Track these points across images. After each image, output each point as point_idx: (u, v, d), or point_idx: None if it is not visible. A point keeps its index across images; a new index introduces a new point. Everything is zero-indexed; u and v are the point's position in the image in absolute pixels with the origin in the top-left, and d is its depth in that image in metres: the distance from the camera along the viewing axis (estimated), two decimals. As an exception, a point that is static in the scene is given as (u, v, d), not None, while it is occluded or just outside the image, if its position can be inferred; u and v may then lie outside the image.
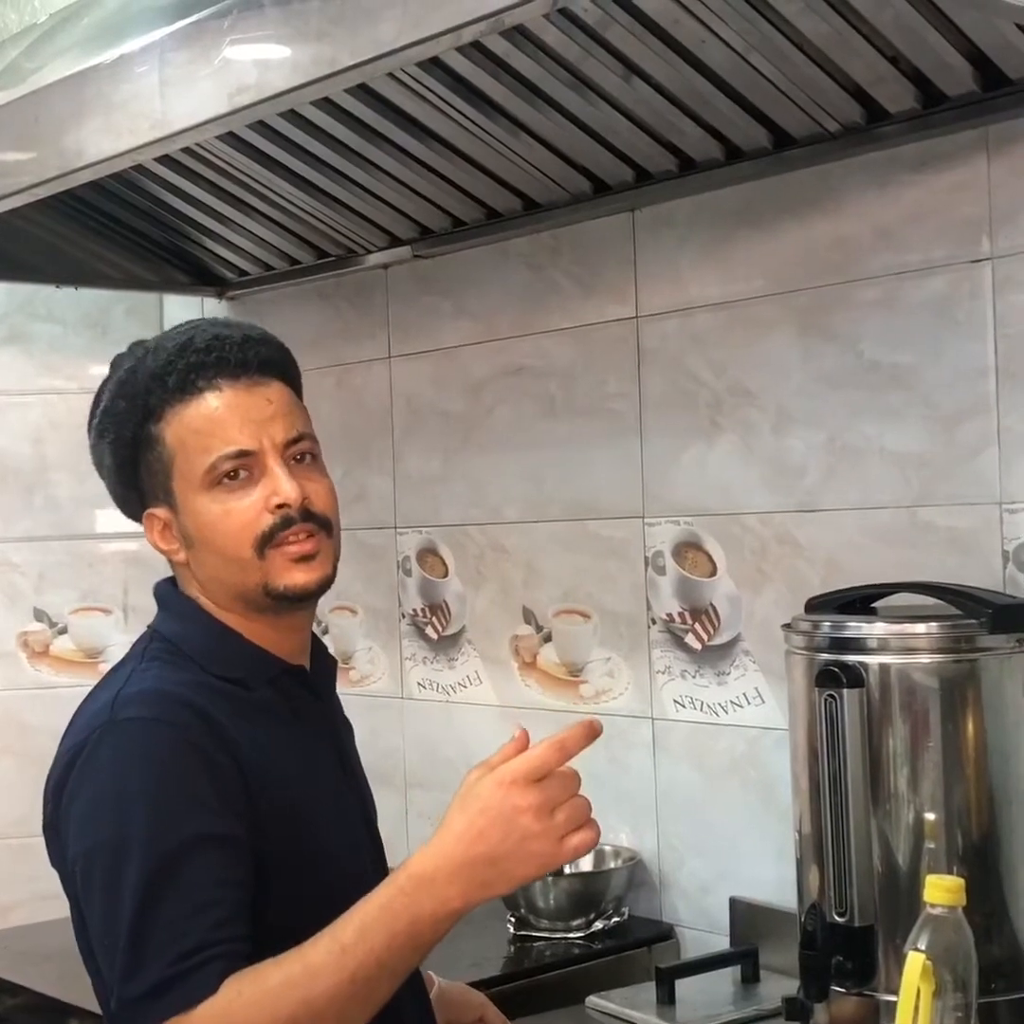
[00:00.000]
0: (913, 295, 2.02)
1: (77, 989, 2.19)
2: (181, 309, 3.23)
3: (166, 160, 2.43)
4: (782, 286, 2.17)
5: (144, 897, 1.29)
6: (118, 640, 3.23)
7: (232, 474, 1.44)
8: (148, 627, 1.57)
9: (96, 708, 1.46)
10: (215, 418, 1.43)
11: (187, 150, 2.36)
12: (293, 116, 2.17)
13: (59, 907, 2.65)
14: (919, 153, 1.99)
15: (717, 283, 2.26)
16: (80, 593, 3.22)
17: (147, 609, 3.47)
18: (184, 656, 1.48)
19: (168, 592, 1.56)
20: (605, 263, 2.42)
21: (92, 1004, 2.11)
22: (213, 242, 2.83)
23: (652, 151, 2.14)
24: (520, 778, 1.26)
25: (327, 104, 2.11)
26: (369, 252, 2.68)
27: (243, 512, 1.43)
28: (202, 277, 3.01)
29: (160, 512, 1.49)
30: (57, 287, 3.05)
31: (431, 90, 2.02)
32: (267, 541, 1.44)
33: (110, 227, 2.82)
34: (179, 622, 1.52)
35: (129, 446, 1.49)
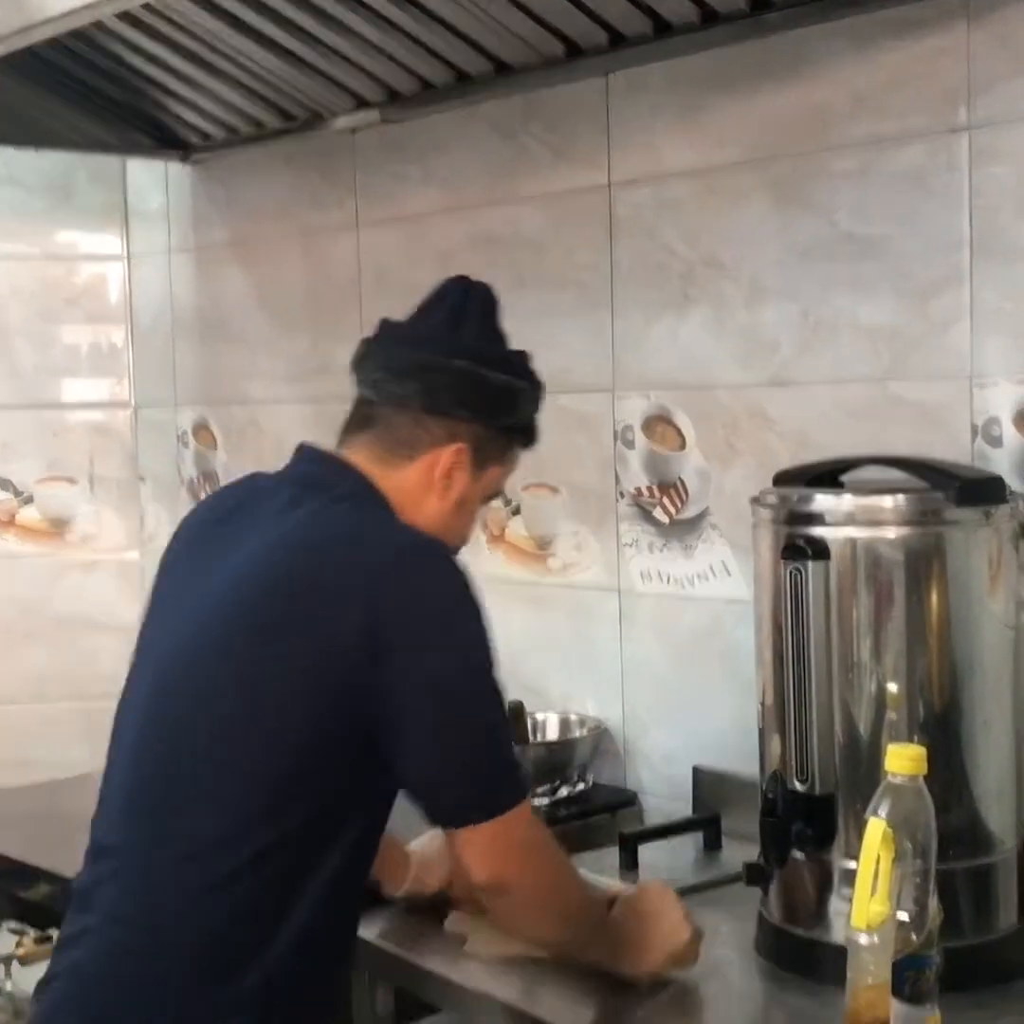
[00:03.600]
0: (889, 165, 2.00)
1: (45, 853, 2.22)
2: (145, 173, 3.18)
3: (129, 19, 2.37)
4: (757, 154, 2.14)
5: (500, 707, 1.57)
6: (84, 510, 3.22)
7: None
8: (322, 484, 1.62)
9: (403, 538, 1.57)
10: (512, 471, 1.76)
11: (151, 9, 2.29)
12: (258, -28, 2.11)
13: (25, 774, 2.70)
14: (899, 18, 1.95)
15: (691, 151, 2.22)
16: (45, 462, 3.21)
17: (111, 479, 3.48)
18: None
19: (368, 481, 1.64)
20: (577, 129, 2.37)
21: (63, 867, 2.15)
22: (177, 104, 2.76)
23: (627, 13, 2.09)
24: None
25: (293, -41, 2.05)
26: (336, 116, 2.62)
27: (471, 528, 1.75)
28: (166, 141, 2.95)
29: (465, 458, 1.65)
30: (17, 149, 2.99)
31: (400, -55, 1.96)
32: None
33: (72, 88, 2.75)
34: (384, 505, 1.63)
35: (507, 419, 1.67)
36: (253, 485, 1.70)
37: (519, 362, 1.70)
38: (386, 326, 1.72)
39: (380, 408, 1.65)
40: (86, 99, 2.79)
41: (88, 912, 1.56)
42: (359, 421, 1.67)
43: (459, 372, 1.63)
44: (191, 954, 1.49)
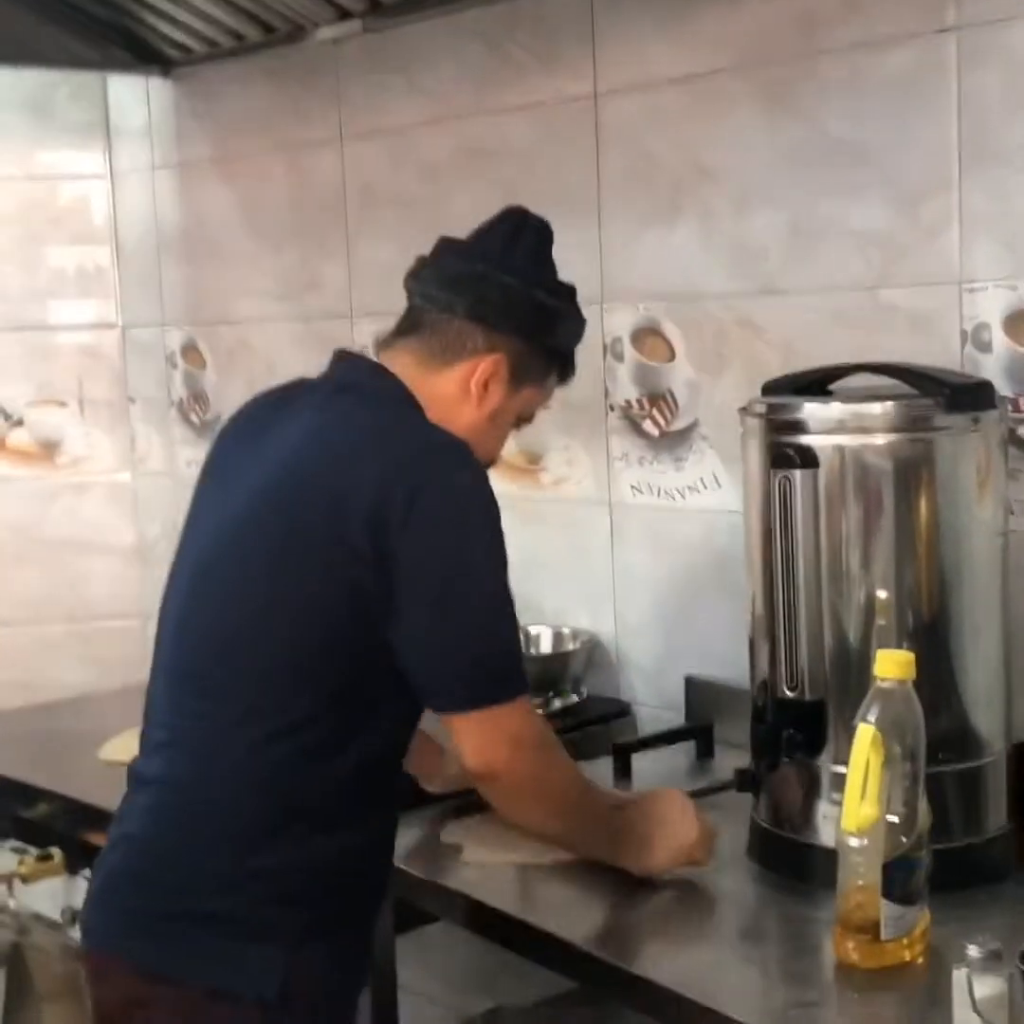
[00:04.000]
0: (878, 70, 1.97)
1: (46, 773, 2.24)
2: (126, 89, 3.13)
3: (104, -72, 2.32)
4: (745, 60, 2.11)
5: (505, 603, 1.59)
6: (74, 433, 3.21)
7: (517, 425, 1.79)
8: (356, 386, 1.68)
9: (426, 434, 1.62)
10: (548, 399, 1.80)
11: (126, -83, 2.25)
12: None
13: (20, 696, 2.72)
14: (888, -83, 1.92)
15: (678, 58, 2.19)
16: (35, 385, 3.19)
17: (101, 401, 3.48)
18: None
19: (403, 386, 1.67)
20: (562, 37, 2.34)
21: (63, 787, 2.17)
22: (156, 18, 2.72)
23: (611, -84, 2.05)
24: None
25: None
26: (318, 27, 2.57)
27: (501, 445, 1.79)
28: (146, 56, 2.91)
29: (503, 370, 1.69)
30: (-5, 67, 2.94)
31: None
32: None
33: (51, 4, 2.72)
34: (417, 408, 1.67)
35: (547, 339, 1.72)
36: (296, 387, 1.75)
37: (566, 291, 1.76)
38: (444, 243, 1.76)
39: (427, 315, 1.70)
40: (65, 15, 2.75)
41: (139, 787, 1.66)
42: (406, 326, 1.72)
43: (507, 287, 1.68)
44: (234, 820, 1.57)
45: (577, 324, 1.78)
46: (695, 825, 1.71)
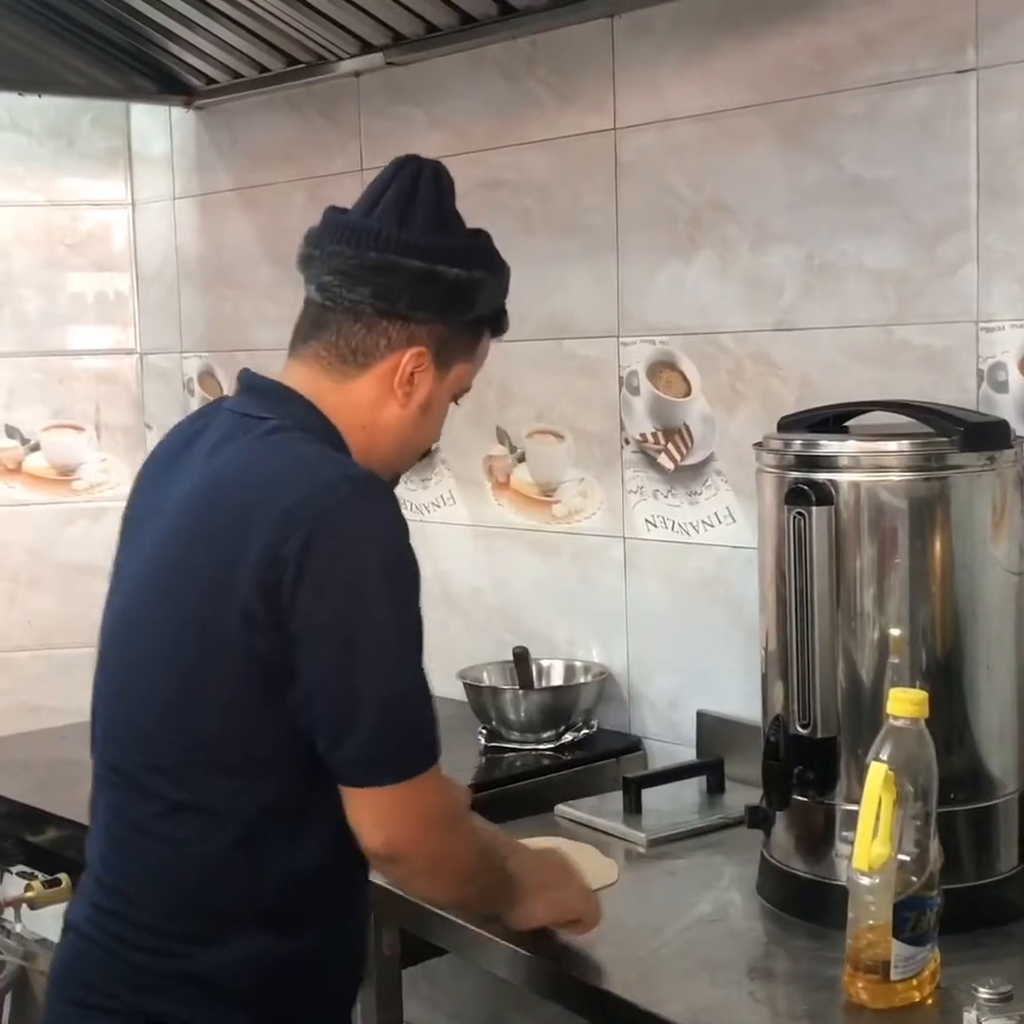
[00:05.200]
0: (896, 108, 1.98)
1: (56, 798, 2.24)
2: (148, 118, 3.15)
3: (130, -41, 2.35)
4: (764, 97, 2.12)
5: (414, 664, 1.44)
6: (91, 457, 3.22)
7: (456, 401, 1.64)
8: (255, 416, 1.52)
9: (320, 475, 1.44)
10: (483, 363, 1.64)
11: (153, -50, 2.27)
12: (260, -88, 2.09)
13: (33, 720, 2.71)
14: (907, -43, 1.93)
15: (697, 94, 2.20)
16: (52, 410, 3.21)
17: (118, 427, 3.48)
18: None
19: (309, 406, 1.54)
20: (583, 73, 2.35)
21: (71, 812, 2.17)
22: (180, 48, 2.74)
23: (632, -47, 2.07)
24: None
25: (295, -101, 2.03)
26: (340, 59, 2.60)
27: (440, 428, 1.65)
28: (169, 85, 2.93)
29: (426, 361, 1.55)
30: (20, 95, 2.97)
31: None
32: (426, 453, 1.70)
33: (75, 32, 2.74)
34: (321, 433, 1.53)
35: (468, 313, 1.56)
36: (202, 417, 1.62)
37: (477, 249, 1.58)
38: (331, 217, 1.58)
39: (331, 314, 1.54)
40: (89, 43, 2.78)
41: (86, 869, 1.57)
42: (310, 327, 1.57)
43: (413, 272, 1.51)
44: (165, 923, 1.47)
45: (497, 281, 1.58)
46: (578, 882, 1.65)
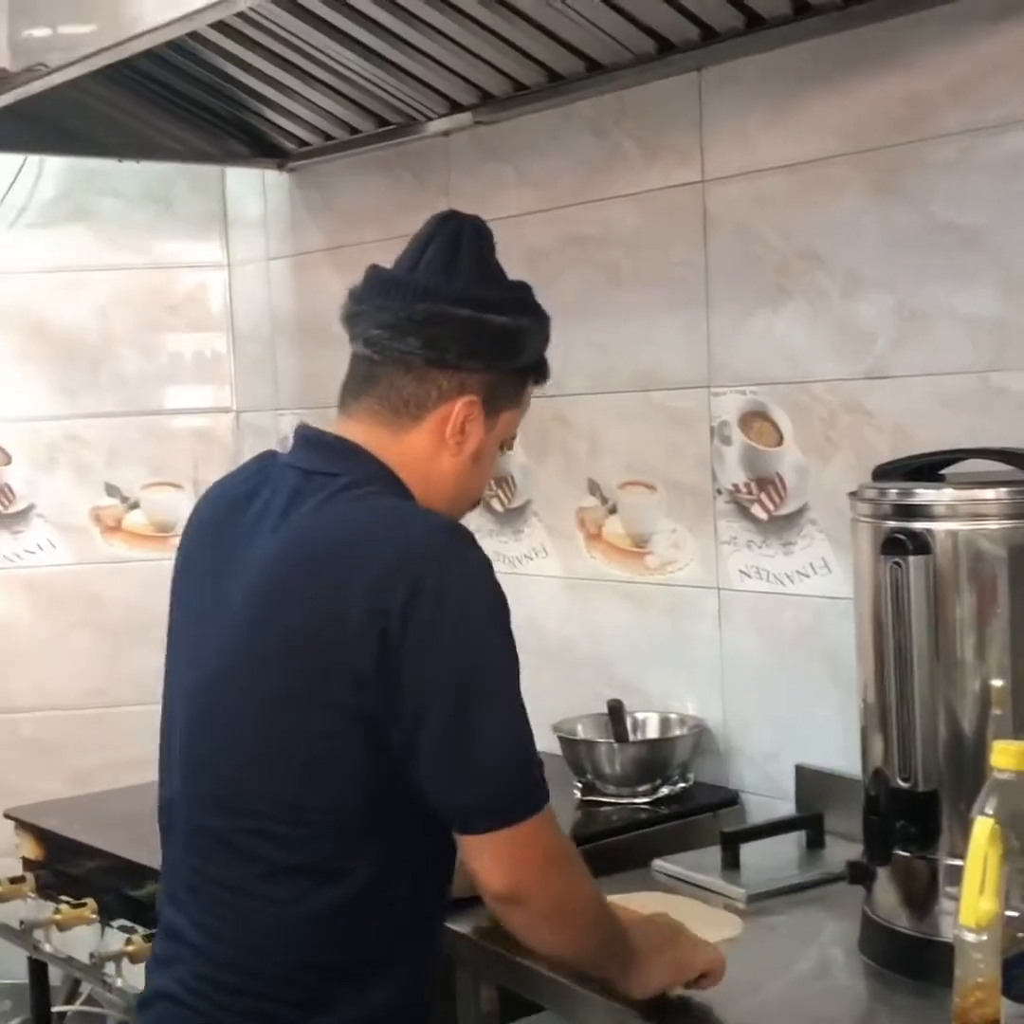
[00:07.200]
0: (987, 153, 1.96)
1: (154, 852, 2.24)
2: (243, 181, 3.22)
3: (225, 28, 2.40)
4: (852, 146, 2.12)
5: (517, 708, 1.46)
6: (188, 515, 3.27)
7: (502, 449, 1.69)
8: (323, 473, 1.53)
9: (412, 529, 1.47)
10: (527, 410, 1.69)
11: (246, 18, 2.33)
12: (350, -21, 2.13)
13: (135, 775, 2.74)
14: (997, 4, 1.92)
15: (785, 144, 2.20)
16: (150, 468, 3.26)
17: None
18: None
19: (375, 460, 1.56)
20: (670, 126, 2.36)
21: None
22: (273, 112, 2.80)
23: (718, 8, 2.08)
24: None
25: (384, -34, 2.07)
26: (430, 119, 2.64)
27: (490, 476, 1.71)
28: (263, 149, 2.99)
29: (477, 409, 1.58)
30: (119, 161, 3.05)
31: (490, -52, 1.97)
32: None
33: (171, 99, 2.80)
34: (394, 486, 1.56)
35: (515, 361, 1.60)
36: (259, 473, 1.62)
37: (522, 298, 1.62)
38: (375, 274, 1.62)
39: (381, 367, 1.57)
40: (184, 110, 2.84)
41: (167, 940, 1.58)
42: (360, 382, 1.60)
43: (462, 321, 1.54)
44: (274, 987, 1.49)
45: (540, 329, 1.63)
46: (690, 937, 1.60)
